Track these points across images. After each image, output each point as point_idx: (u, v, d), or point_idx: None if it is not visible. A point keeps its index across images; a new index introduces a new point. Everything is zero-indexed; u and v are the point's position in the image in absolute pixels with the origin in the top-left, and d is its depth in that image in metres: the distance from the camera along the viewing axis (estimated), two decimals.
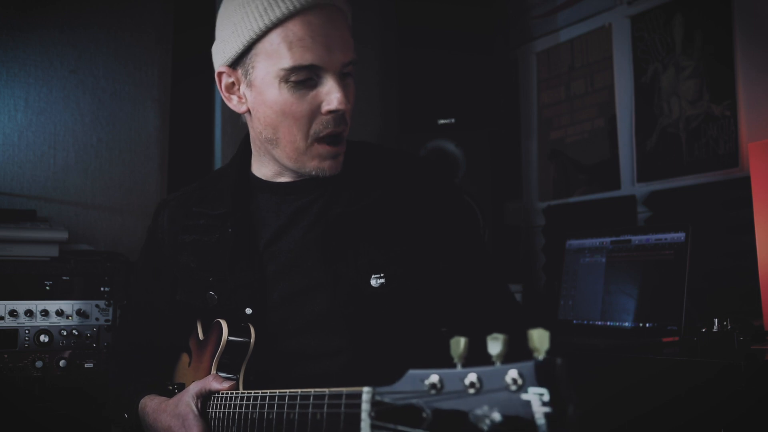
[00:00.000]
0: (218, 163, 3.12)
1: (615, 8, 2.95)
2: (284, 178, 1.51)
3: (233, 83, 1.47)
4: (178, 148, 3.06)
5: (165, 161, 3.04)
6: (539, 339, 0.71)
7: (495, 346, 0.74)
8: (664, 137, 2.74)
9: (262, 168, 1.53)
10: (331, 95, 1.35)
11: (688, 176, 2.63)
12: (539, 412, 0.68)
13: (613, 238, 2.41)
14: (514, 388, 0.70)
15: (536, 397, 0.69)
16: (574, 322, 2.46)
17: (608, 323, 2.33)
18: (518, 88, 3.41)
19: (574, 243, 2.58)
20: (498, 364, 0.73)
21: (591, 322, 2.39)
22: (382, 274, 1.40)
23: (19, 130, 2.77)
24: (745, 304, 2.16)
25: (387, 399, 0.83)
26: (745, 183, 2.20)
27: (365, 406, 0.86)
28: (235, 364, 1.40)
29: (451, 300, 1.49)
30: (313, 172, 1.42)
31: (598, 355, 1.92)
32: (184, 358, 1.57)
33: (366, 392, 0.87)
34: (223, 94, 1.49)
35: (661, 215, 2.67)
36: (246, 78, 1.43)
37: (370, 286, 1.40)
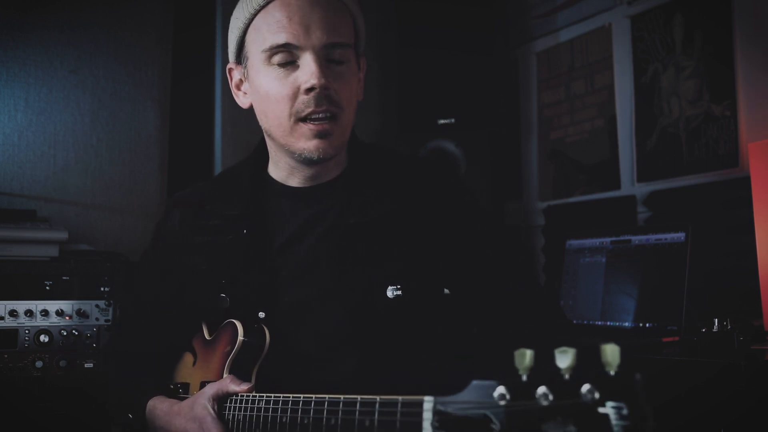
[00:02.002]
0: (218, 163, 3.12)
1: (615, 8, 2.95)
2: (295, 180, 1.49)
3: (241, 80, 1.49)
4: (178, 148, 3.06)
5: (165, 161, 3.04)
6: (611, 354, 0.71)
7: (564, 359, 0.73)
8: (664, 137, 2.74)
9: (276, 169, 1.52)
10: (306, 73, 1.35)
11: (688, 176, 2.62)
12: (617, 425, 0.68)
13: (613, 238, 2.41)
14: (590, 401, 0.70)
15: (614, 411, 0.68)
16: (574, 322, 2.46)
17: (608, 323, 2.33)
18: (518, 88, 3.41)
19: (574, 243, 2.58)
20: (567, 376, 0.73)
21: (591, 322, 2.39)
22: (398, 286, 1.39)
23: (19, 130, 2.77)
24: (745, 304, 2.16)
25: (450, 408, 0.83)
26: (745, 183, 2.20)
27: (427, 415, 0.86)
28: (248, 366, 1.39)
29: (475, 304, 1.46)
30: (303, 155, 1.40)
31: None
32: (187, 357, 1.56)
33: (427, 401, 0.87)
34: (233, 91, 1.52)
35: (661, 215, 2.67)
36: (245, 70, 1.46)
37: (386, 297, 1.39)
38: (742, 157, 2.44)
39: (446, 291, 1.47)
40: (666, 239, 2.22)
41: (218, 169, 3.11)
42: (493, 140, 3.01)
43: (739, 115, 2.47)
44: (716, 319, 1.89)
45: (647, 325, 2.19)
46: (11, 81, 2.77)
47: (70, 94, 2.87)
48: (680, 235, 2.17)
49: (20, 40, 2.78)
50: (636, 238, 2.33)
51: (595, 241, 2.48)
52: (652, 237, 2.27)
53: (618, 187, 2.91)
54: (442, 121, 3.00)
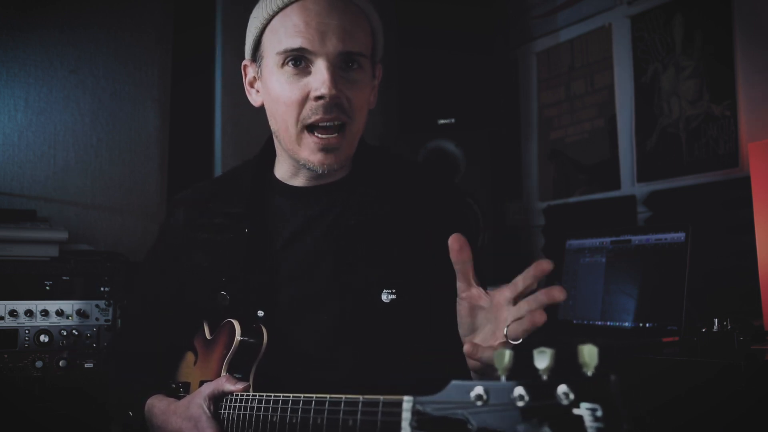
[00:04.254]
0: (218, 163, 3.12)
1: (615, 8, 2.95)
2: (299, 180, 1.50)
3: (255, 77, 1.49)
4: (178, 148, 3.06)
5: (165, 161, 3.04)
6: (589, 354, 0.70)
7: (542, 359, 0.73)
8: (664, 137, 2.74)
9: (280, 168, 1.53)
10: (317, 80, 1.34)
11: (688, 176, 2.62)
12: (591, 427, 0.67)
13: (613, 238, 2.41)
14: (565, 402, 0.69)
15: (588, 413, 0.68)
16: (574, 322, 2.46)
17: (608, 323, 2.33)
18: (518, 88, 3.41)
19: (574, 243, 2.58)
20: (545, 377, 0.72)
21: (591, 322, 2.39)
22: (393, 290, 1.39)
23: (19, 130, 2.77)
24: (745, 304, 2.16)
25: (429, 408, 0.82)
26: (745, 183, 2.20)
27: (406, 415, 0.85)
28: (246, 365, 1.39)
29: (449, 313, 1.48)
30: (307, 166, 1.40)
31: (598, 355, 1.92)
32: (189, 357, 1.57)
33: (406, 401, 0.86)
34: (246, 88, 1.52)
35: (661, 215, 2.67)
36: (259, 69, 1.46)
37: (381, 300, 1.39)
38: (742, 157, 2.44)
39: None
40: (666, 239, 2.22)
41: (218, 168, 3.12)
42: (493, 140, 3.01)
43: (739, 115, 2.47)
44: (716, 319, 1.89)
45: (647, 325, 2.19)
46: (11, 81, 2.77)
47: (70, 94, 2.87)
48: (680, 235, 2.17)
49: (20, 40, 2.78)
50: (636, 238, 2.33)
51: (595, 241, 2.48)
52: (652, 237, 2.27)
53: (618, 187, 2.91)
54: (442, 121, 3.00)
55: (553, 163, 3.24)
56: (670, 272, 2.16)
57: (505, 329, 1.08)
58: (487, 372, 1.12)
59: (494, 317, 1.14)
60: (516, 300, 1.10)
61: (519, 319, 1.07)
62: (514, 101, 3.41)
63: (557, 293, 1.03)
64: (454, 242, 1.14)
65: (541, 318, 1.04)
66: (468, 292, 1.17)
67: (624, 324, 2.26)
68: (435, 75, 3.03)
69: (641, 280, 2.26)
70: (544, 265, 1.06)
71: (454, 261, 1.15)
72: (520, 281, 1.10)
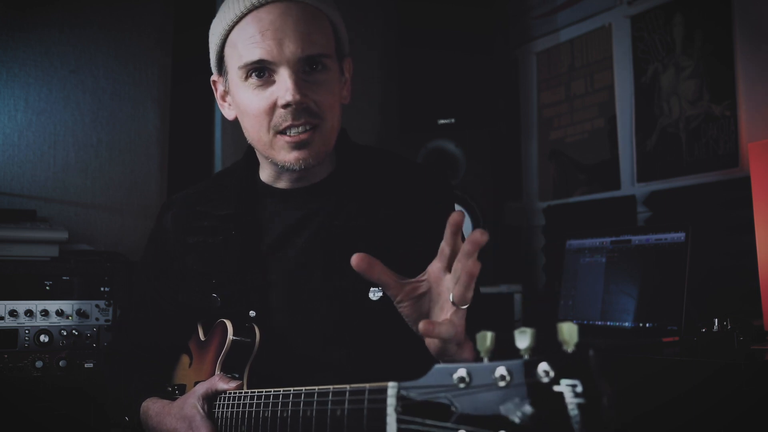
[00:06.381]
0: (218, 163, 3.12)
1: (615, 8, 2.95)
2: (283, 183, 1.50)
3: (225, 91, 1.50)
4: (178, 148, 3.06)
5: (165, 161, 3.04)
6: (568, 332, 0.71)
7: (523, 339, 0.73)
8: (664, 137, 2.74)
9: (264, 173, 1.54)
10: (281, 88, 1.35)
11: (688, 176, 2.63)
12: (572, 403, 0.68)
13: (613, 238, 2.41)
14: (545, 380, 0.70)
15: (569, 389, 0.68)
16: (574, 322, 2.46)
17: (608, 323, 2.33)
18: (518, 88, 3.41)
19: (574, 243, 2.58)
20: (526, 356, 0.73)
21: (591, 322, 2.40)
22: (380, 288, 1.40)
23: (19, 130, 2.77)
24: (745, 304, 2.16)
25: (413, 393, 0.83)
26: (745, 183, 2.20)
27: (391, 401, 0.86)
28: (240, 365, 1.40)
29: None
30: (285, 166, 1.40)
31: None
32: (184, 359, 1.57)
33: (391, 387, 0.86)
34: (219, 103, 1.54)
35: (661, 215, 2.67)
36: (227, 83, 1.47)
37: (369, 299, 1.40)
38: (742, 157, 2.44)
39: None
40: (666, 239, 2.22)
41: (218, 169, 3.12)
42: (494, 140, 3.01)
43: (739, 115, 2.47)
44: (716, 319, 1.89)
45: (647, 325, 2.19)
46: (11, 81, 2.77)
47: (70, 94, 2.87)
48: (680, 235, 2.17)
49: (20, 40, 2.78)
50: (636, 238, 2.33)
51: (595, 241, 2.48)
52: (652, 237, 2.27)
53: (618, 187, 2.91)
54: (442, 121, 3.00)
55: (553, 163, 3.24)
56: (670, 272, 2.16)
57: (450, 296, 1.09)
58: (448, 350, 1.13)
59: (437, 294, 1.14)
60: (450, 267, 1.11)
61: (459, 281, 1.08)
62: (514, 101, 3.41)
63: (479, 235, 1.02)
64: (356, 264, 1.13)
65: (475, 267, 1.04)
66: (400, 290, 1.16)
67: (624, 324, 2.26)
68: (435, 75, 3.03)
69: (641, 280, 2.26)
70: (457, 217, 1.07)
71: (374, 280, 1.15)
72: (444, 245, 1.11)
